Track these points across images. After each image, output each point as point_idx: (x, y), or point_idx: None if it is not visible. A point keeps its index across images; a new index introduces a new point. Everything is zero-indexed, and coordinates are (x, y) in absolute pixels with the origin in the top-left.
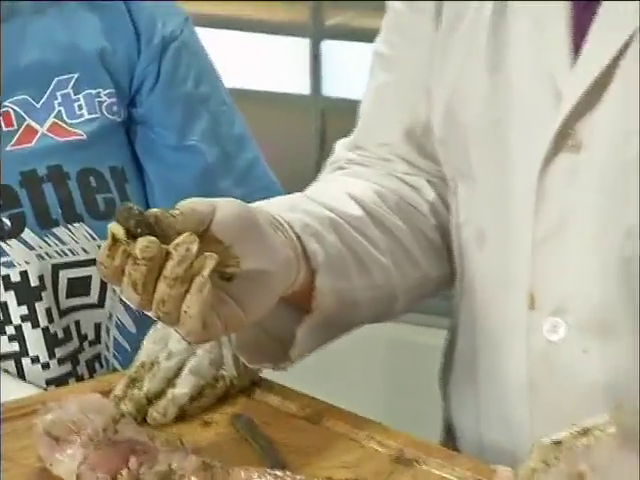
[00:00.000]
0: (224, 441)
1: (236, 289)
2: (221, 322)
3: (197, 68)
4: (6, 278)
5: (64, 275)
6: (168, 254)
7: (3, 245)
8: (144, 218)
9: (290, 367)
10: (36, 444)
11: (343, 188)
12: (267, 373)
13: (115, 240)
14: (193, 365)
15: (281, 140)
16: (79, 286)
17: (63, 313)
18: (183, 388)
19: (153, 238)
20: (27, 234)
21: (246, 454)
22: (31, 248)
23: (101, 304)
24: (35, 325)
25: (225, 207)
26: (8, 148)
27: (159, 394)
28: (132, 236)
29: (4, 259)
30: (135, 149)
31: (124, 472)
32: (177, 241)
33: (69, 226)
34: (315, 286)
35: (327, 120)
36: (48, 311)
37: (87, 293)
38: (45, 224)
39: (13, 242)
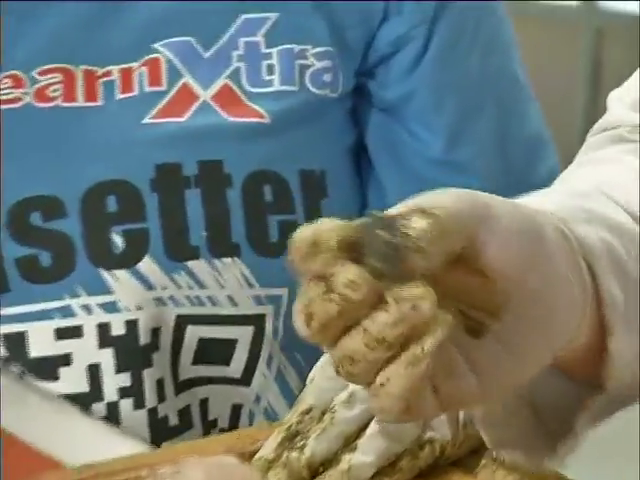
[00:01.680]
0: None
1: (481, 351)
2: (438, 400)
3: (488, 36)
4: (103, 328)
5: (194, 333)
6: (382, 299)
7: (107, 276)
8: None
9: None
10: None
11: None
12: None
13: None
14: None
15: (540, 67)
16: (216, 351)
17: (182, 387)
18: (367, 455)
19: (366, 275)
20: (147, 265)
21: None
22: (149, 287)
23: (246, 381)
24: (139, 404)
25: (503, 219)
26: (145, 120)
27: (330, 461)
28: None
29: (105, 299)
30: (364, 145)
31: None
32: (404, 294)
33: (215, 261)
34: (610, 347)
35: (604, 42)
36: (160, 383)
37: (226, 362)
38: (178, 253)
39: (122, 274)
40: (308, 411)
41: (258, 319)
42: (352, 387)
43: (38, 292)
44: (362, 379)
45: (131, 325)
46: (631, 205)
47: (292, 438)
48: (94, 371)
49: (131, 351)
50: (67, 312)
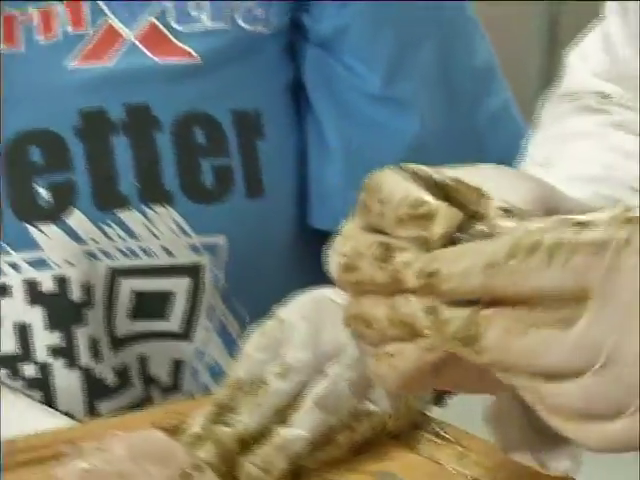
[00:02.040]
0: None
1: None
2: (437, 382)
3: None
4: (31, 285)
5: (128, 286)
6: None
7: (33, 231)
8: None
9: None
10: None
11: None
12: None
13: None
14: (321, 392)
15: (495, 20)
16: (152, 305)
17: (119, 344)
18: (302, 429)
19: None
20: (75, 217)
21: None
22: (79, 240)
23: (187, 335)
24: (72, 364)
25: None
26: (68, 64)
27: (261, 436)
28: None
29: (32, 255)
30: (302, 83)
31: None
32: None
33: (147, 210)
34: None
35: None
36: (94, 342)
37: (164, 316)
38: (108, 203)
39: (49, 228)
40: (239, 384)
41: (195, 269)
42: (286, 359)
43: None
44: (369, 341)
45: (61, 281)
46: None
47: (222, 412)
48: (23, 331)
49: (62, 309)
50: None
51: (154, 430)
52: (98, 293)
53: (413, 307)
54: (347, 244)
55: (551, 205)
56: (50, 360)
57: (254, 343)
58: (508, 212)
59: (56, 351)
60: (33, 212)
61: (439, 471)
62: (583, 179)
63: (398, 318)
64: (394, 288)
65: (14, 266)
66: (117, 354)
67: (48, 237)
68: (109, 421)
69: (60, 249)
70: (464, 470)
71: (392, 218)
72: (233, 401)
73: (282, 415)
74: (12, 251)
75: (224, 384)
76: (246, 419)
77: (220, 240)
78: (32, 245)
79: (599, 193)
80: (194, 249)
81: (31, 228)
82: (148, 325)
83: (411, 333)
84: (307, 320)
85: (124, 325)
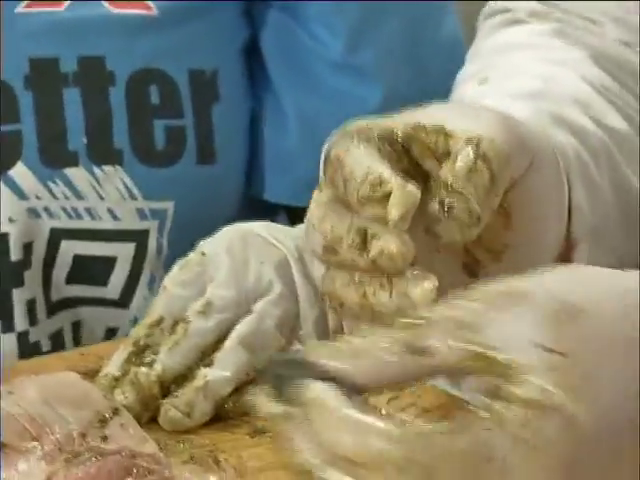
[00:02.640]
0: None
1: None
2: None
3: None
4: None
5: (69, 249)
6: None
7: None
8: None
9: None
10: None
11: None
12: None
13: None
14: (246, 330)
15: None
16: (91, 269)
17: (55, 309)
18: (225, 369)
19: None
20: (20, 171)
21: None
22: (22, 196)
23: (124, 302)
24: (8, 328)
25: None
26: (18, 9)
27: (183, 377)
28: None
29: None
30: (258, 45)
31: None
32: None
33: (95, 169)
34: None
35: None
36: (31, 305)
37: (104, 282)
38: (55, 159)
39: None
40: (158, 322)
41: (141, 235)
42: (208, 295)
43: None
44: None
45: (1, 239)
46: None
47: (141, 353)
48: None
49: (0, 268)
50: None
51: (68, 372)
52: (38, 254)
53: (381, 298)
54: (326, 221)
55: (516, 130)
56: None
57: (174, 278)
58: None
59: None
60: None
61: None
62: (524, 95)
63: (370, 305)
64: (375, 273)
65: None
66: (52, 319)
67: None
68: (21, 364)
69: (2, 204)
70: None
71: (356, 198)
72: (152, 340)
73: (204, 355)
74: None
75: (142, 322)
76: (166, 359)
77: (168, 206)
78: None
79: (541, 109)
80: (141, 214)
81: None
82: (86, 290)
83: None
84: (231, 255)
85: (61, 289)
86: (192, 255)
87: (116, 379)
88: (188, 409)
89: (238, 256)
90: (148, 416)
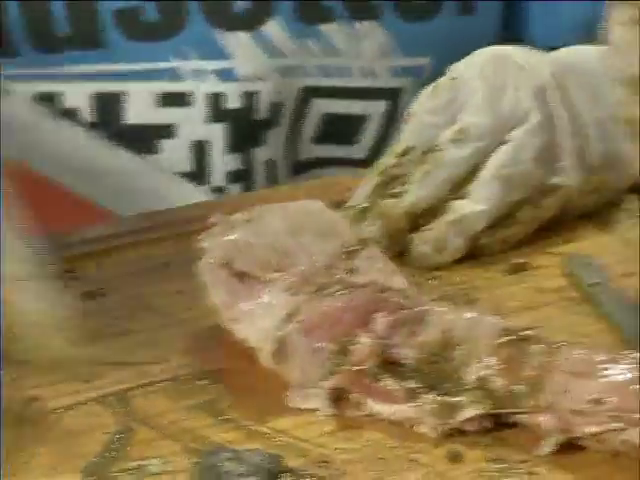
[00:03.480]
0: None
1: None
2: None
3: None
4: (215, 98)
5: (319, 107)
6: None
7: (225, 39)
8: None
9: None
10: (206, 284)
11: None
12: None
13: None
14: (502, 161)
15: None
16: (341, 128)
17: (299, 170)
18: (480, 203)
19: None
20: (273, 27)
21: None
22: (274, 53)
23: (371, 161)
24: (246, 188)
25: None
26: None
27: (433, 211)
28: None
29: (220, 65)
30: None
31: (362, 339)
32: None
33: (352, 24)
34: None
35: None
36: (272, 166)
37: (351, 141)
38: (310, 14)
39: (243, 36)
40: (407, 151)
41: (394, 93)
42: (461, 122)
43: (140, 51)
44: None
45: (249, 97)
46: None
47: (388, 184)
48: (200, 149)
49: (246, 127)
50: (173, 75)
51: (314, 201)
52: (286, 113)
53: None
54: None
55: None
56: (224, 184)
57: (423, 104)
58: None
59: (233, 175)
60: (228, 18)
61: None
62: None
63: None
64: None
65: (197, 74)
66: (295, 180)
67: (240, 46)
68: (260, 193)
69: (252, 61)
70: None
71: None
72: (400, 171)
73: (457, 187)
74: (197, 57)
75: (389, 152)
76: (415, 191)
77: (423, 62)
78: (220, 53)
79: None
80: (396, 71)
81: (223, 35)
82: (334, 150)
83: None
84: (485, 79)
85: (308, 149)
86: (442, 80)
87: (362, 211)
88: (439, 244)
89: (493, 81)
90: (396, 251)
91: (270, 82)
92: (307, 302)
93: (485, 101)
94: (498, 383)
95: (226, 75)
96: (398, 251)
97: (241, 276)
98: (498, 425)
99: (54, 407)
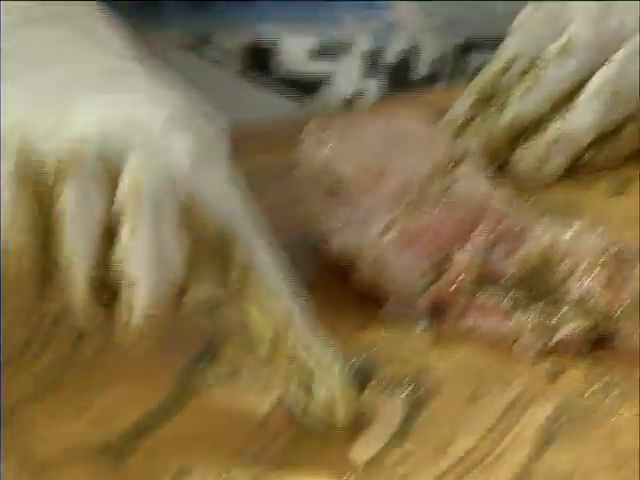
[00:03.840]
0: None
1: None
2: None
3: None
4: None
5: None
6: None
7: None
8: None
9: None
10: (301, 195)
11: None
12: None
13: None
14: (607, 77)
15: None
16: None
17: None
18: (583, 119)
19: None
20: None
21: None
22: None
23: None
24: None
25: None
26: None
27: (535, 127)
28: None
29: None
30: None
31: (461, 254)
32: None
33: None
34: None
35: None
36: None
37: None
38: None
39: None
40: (509, 64)
41: None
42: (566, 36)
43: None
44: None
45: (407, 53)
46: None
47: (488, 99)
48: (352, 105)
49: (401, 84)
50: (332, 27)
51: (413, 114)
52: (444, 68)
53: None
54: None
55: None
56: None
57: (529, 16)
58: None
59: None
60: None
61: None
62: None
63: None
64: None
65: (356, 27)
66: None
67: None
68: (357, 107)
69: (411, 16)
70: None
71: None
72: (501, 85)
73: (560, 104)
74: (358, 13)
75: (489, 66)
76: (516, 106)
77: None
78: (381, 8)
79: None
80: None
81: None
82: None
83: None
84: None
85: None
86: None
87: (461, 126)
88: (540, 162)
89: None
90: (495, 168)
91: (429, 37)
92: (405, 214)
93: (593, 16)
94: (600, 301)
95: (385, 29)
96: (497, 168)
97: (336, 189)
98: (598, 345)
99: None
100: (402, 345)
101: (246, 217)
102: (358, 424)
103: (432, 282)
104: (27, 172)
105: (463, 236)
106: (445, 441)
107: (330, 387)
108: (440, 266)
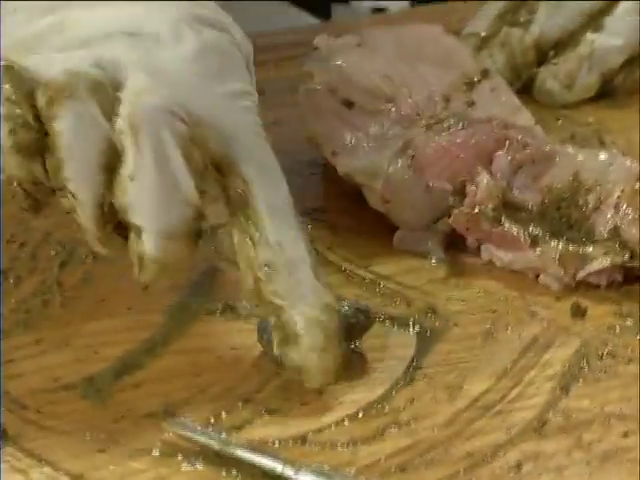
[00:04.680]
0: None
1: None
2: None
3: None
4: None
5: None
6: None
7: None
8: None
9: None
10: (307, 113)
11: None
12: None
13: None
14: None
15: None
16: None
17: None
18: (616, 36)
19: None
20: None
21: None
22: None
23: None
24: None
25: None
26: None
27: (564, 43)
28: None
29: None
30: None
31: (481, 179)
32: None
33: None
34: None
35: None
36: None
37: None
38: None
39: None
40: None
41: None
42: None
43: None
44: None
45: None
46: None
47: (515, 10)
48: None
49: None
50: None
51: (432, 25)
52: None
53: None
54: None
55: None
56: None
57: None
58: None
59: None
60: None
61: None
62: None
63: None
64: None
65: None
66: None
67: None
68: (371, 18)
69: None
70: None
71: None
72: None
73: (591, 19)
74: None
75: None
76: (545, 20)
77: None
78: None
79: None
80: None
81: None
82: None
83: None
84: None
85: None
86: None
87: (484, 39)
88: (569, 80)
89: None
90: (521, 85)
91: None
92: (421, 136)
93: None
94: (633, 233)
95: None
96: (523, 85)
97: (347, 105)
98: (628, 279)
99: None
100: (414, 278)
101: (247, 142)
102: (364, 361)
103: (450, 209)
104: (24, 91)
105: (485, 160)
106: (457, 382)
107: (309, 345)
108: (459, 192)
